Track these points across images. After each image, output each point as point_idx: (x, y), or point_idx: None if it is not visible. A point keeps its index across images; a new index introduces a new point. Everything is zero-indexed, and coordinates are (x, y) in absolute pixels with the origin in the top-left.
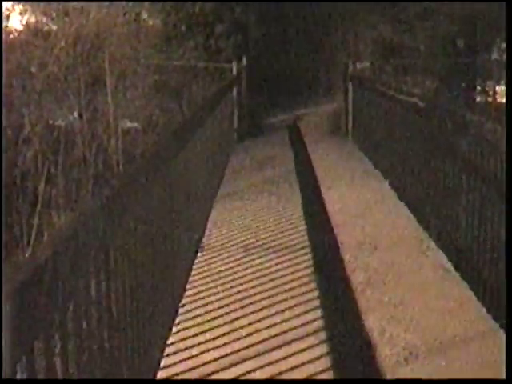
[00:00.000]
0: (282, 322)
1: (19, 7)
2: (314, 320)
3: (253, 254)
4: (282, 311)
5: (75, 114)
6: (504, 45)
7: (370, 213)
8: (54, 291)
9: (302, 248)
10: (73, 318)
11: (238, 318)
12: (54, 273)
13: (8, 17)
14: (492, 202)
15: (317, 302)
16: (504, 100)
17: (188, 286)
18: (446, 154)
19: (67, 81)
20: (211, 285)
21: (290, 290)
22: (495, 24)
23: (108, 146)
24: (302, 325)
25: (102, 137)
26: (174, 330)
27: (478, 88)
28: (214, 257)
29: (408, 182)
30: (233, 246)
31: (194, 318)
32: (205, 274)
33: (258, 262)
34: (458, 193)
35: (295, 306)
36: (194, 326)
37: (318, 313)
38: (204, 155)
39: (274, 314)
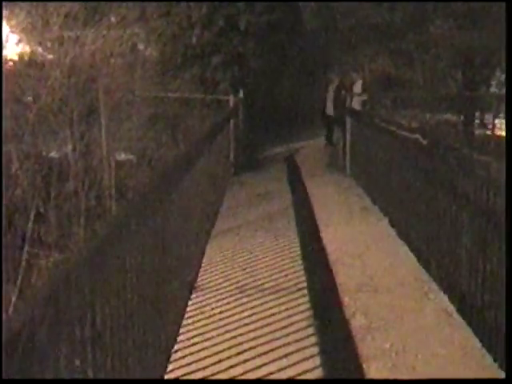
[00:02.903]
0: (278, 370)
1: (15, 36)
2: (313, 369)
3: (248, 295)
4: (279, 359)
5: (69, 146)
6: (503, 77)
7: (369, 252)
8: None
9: (299, 290)
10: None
11: (232, 366)
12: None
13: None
14: (496, 242)
15: (315, 349)
16: (503, 133)
17: (181, 331)
18: (449, 193)
19: (61, 112)
20: (205, 329)
21: (287, 335)
22: (494, 57)
23: (102, 179)
24: (300, 374)
25: (96, 169)
26: (166, 378)
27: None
28: (208, 298)
29: (408, 219)
30: (228, 286)
31: (186, 365)
32: (199, 317)
33: (253, 304)
34: (461, 232)
35: (292, 353)
36: (186, 373)
37: (317, 361)
38: (199, 191)
39: (270, 362)
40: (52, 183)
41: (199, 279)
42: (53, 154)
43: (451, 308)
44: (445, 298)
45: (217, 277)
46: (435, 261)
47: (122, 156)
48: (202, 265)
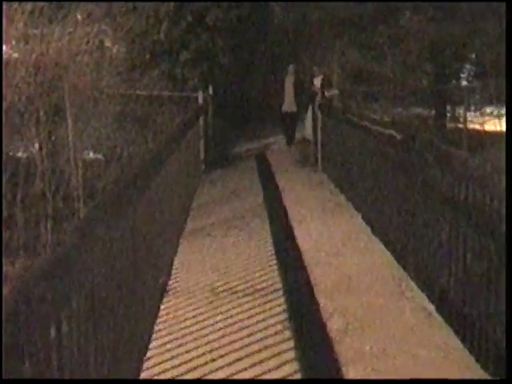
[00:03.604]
0: (255, 376)
1: None
2: (290, 374)
3: (222, 298)
4: (255, 364)
5: (36, 145)
6: (473, 70)
7: (343, 250)
8: None
9: (275, 291)
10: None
11: (206, 374)
12: None
13: None
14: (476, 238)
15: (292, 354)
16: (475, 126)
17: (154, 336)
18: (425, 188)
19: (28, 111)
20: (178, 335)
21: (263, 339)
22: (464, 50)
23: (69, 179)
24: (278, 381)
25: (64, 170)
26: None
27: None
28: (180, 302)
29: (383, 216)
30: (201, 289)
31: (160, 373)
32: (171, 322)
33: (227, 307)
34: (438, 228)
35: (269, 358)
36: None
37: (294, 366)
38: (170, 189)
39: (245, 369)
40: (19, 184)
41: (171, 282)
42: (19, 154)
43: (430, 307)
44: (423, 297)
45: (189, 279)
46: (412, 258)
47: (91, 155)
48: (174, 266)
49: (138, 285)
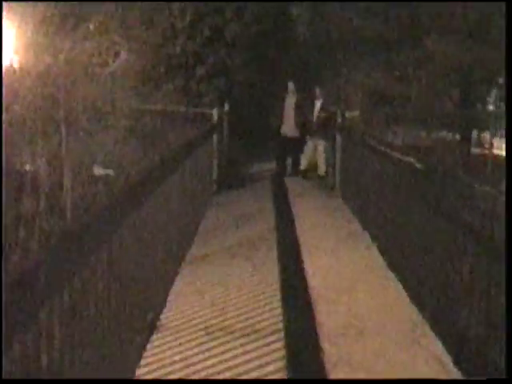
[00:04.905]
0: None
1: None
2: None
3: (216, 338)
4: None
5: (43, 159)
6: (499, 94)
7: (355, 287)
8: None
9: (275, 332)
10: None
11: None
12: None
13: None
14: (503, 280)
15: None
16: (501, 152)
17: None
18: (447, 222)
19: (35, 123)
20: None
21: None
22: (491, 75)
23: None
24: (278, 381)
25: (72, 184)
26: None
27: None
28: (169, 342)
29: (400, 248)
30: (194, 326)
31: None
32: (155, 366)
33: (220, 350)
34: (460, 268)
35: None
36: None
37: None
38: (173, 212)
39: None
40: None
41: (163, 316)
42: (27, 168)
43: (447, 358)
44: (439, 345)
45: (184, 314)
46: (430, 299)
47: (101, 171)
48: (169, 298)
49: (121, 321)
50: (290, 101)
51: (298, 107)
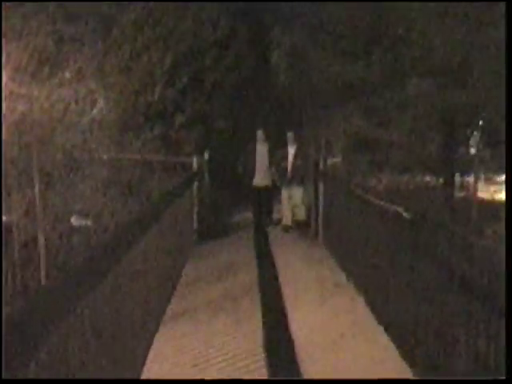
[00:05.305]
0: None
1: None
2: None
3: None
4: None
5: (19, 210)
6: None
7: (342, 344)
8: None
9: None
10: None
11: None
12: None
13: None
14: (501, 334)
15: None
16: (484, 196)
17: None
18: (437, 272)
19: (10, 175)
20: None
21: None
22: (473, 118)
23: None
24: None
25: (50, 236)
26: None
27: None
28: None
29: (388, 301)
30: None
31: None
32: None
33: None
34: (454, 320)
35: None
36: None
37: None
38: (151, 265)
39: None
40: None
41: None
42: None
43: None
44: None
45: (162, 377)
46: (422, 357)
47: (79, 221)
48: (148, 359)
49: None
50: (262, 149)
51: (272, 155)
